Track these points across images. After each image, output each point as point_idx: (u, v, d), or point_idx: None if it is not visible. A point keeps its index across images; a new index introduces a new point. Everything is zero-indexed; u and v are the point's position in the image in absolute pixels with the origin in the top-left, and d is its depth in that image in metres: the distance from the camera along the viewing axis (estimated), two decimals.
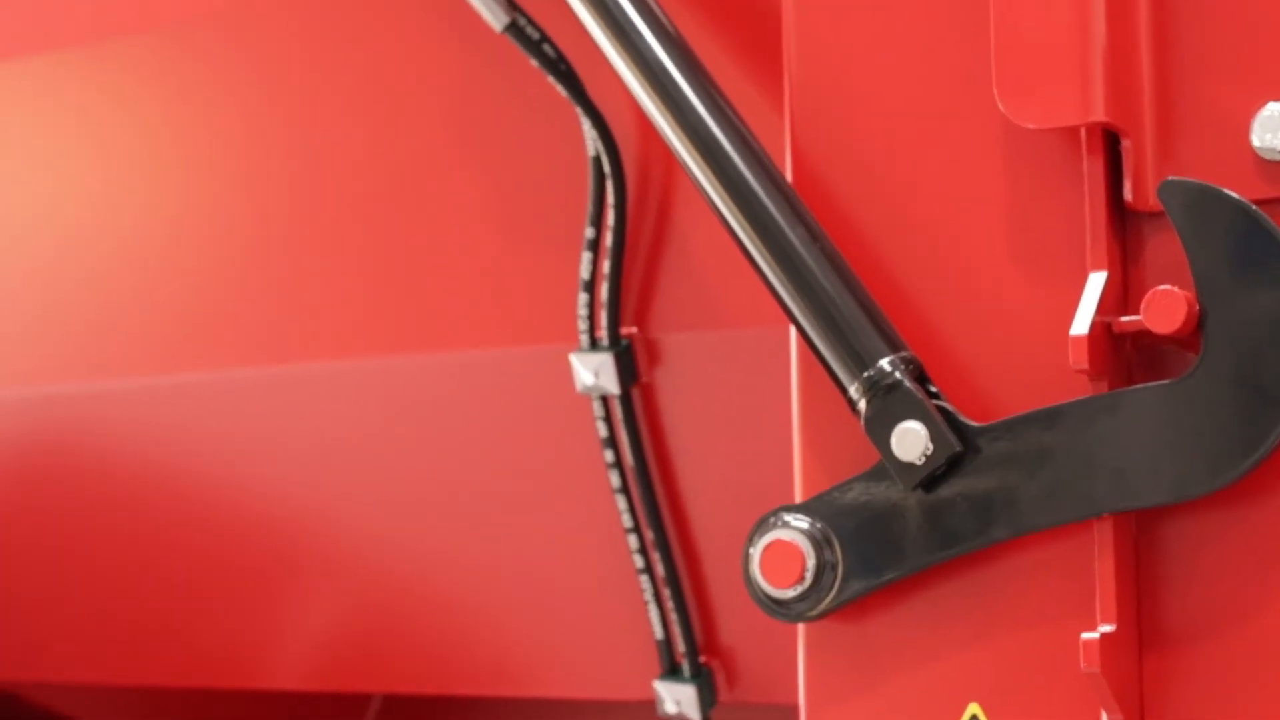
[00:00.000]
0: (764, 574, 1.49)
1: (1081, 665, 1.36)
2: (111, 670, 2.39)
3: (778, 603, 1.49)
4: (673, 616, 1.89)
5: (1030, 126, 1.39)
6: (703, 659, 1.90)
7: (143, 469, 2.29)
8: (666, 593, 1.87)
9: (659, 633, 1.89)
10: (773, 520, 1.49)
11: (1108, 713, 1.38)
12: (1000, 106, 1.40)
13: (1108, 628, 1.37)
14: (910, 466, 1.42)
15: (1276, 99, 1.36)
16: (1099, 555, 1.39)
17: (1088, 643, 1.35)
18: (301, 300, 2.06)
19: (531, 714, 2.64)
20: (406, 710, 2.81)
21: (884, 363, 1.43)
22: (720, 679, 1.93)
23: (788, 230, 1.47)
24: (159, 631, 2.37)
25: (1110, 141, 1.41)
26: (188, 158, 2.15)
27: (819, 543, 1.47)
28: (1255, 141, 1.37)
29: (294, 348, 2.07)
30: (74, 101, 2.24)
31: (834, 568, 1.47)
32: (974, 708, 1.45)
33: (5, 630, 2.47)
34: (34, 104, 2.27)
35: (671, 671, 1.91)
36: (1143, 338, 1.38)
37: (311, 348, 2.06)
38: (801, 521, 1.48)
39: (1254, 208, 1.33)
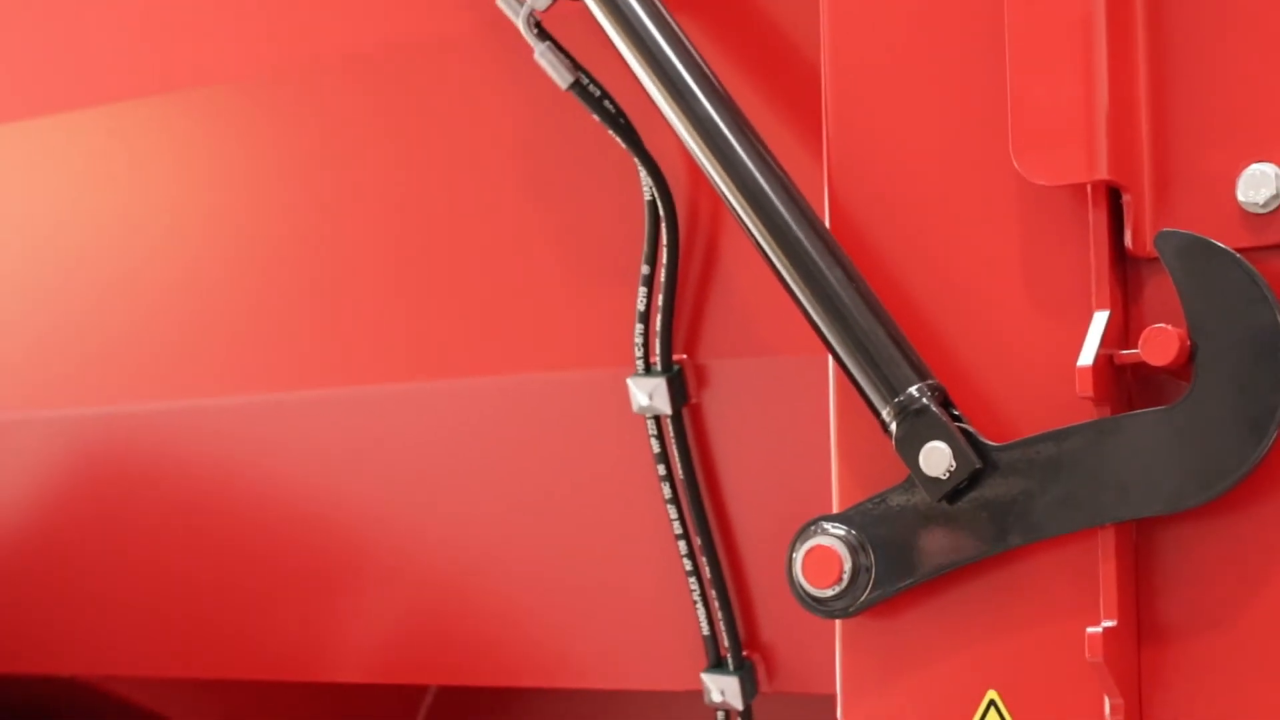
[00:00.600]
0: (805, 575, 1.67)
1: (1087, 656, 1.54)
2: (190, 665, 2.58)
3: (817, 601, 1.68)
4: (718, 614, 2.05)
5: (1042, 183, 1.58)
6: (745, 653, 2.07)
7: (221, 482, 2.47)
8: (712, 593, 2.05)
9: (705, 629, 2.06)
10: (813, 528, 1.67)
11: (1110, 698, 1.57)
12: (1015, 165, 1.59)
13: (1110, 623, 1.55)
14: (936, 481, 1.60)
15: (1257, 160, 1.55)
16: (1102, 559, 1.57)
17: (1092, 636, 1.54)
18: (380, 326, 2.24)
19: (577, 705, 2.84)
20: (458, 700, 3.00)
21: (913, 389, 1.61)
22: (761, 671, 2.09)
23: (826, 271, 1.65)
24: (232, 629, 2.54)
25: (1112, 196, 1.59)
26: (261, 199, 2.34)
27: (854, 548, 1.66)
28: (1240, 197, 1.55)
29: (368, 370, 2.25)
30: (148, 141, 2.43)
31: (868, 571, 1.65)
32: (992, 694, 1.63)
33: (89, 628, 2.65)
34: (119, 144, 2.46)
35: (716, 664, 2.08)
36: (1141, 369, 1.56)
37: (385, 370, 2.25)
38: (839, 529, 1.66)
39: (1239, 255, 1.52)
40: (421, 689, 3.03)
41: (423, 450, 2.24)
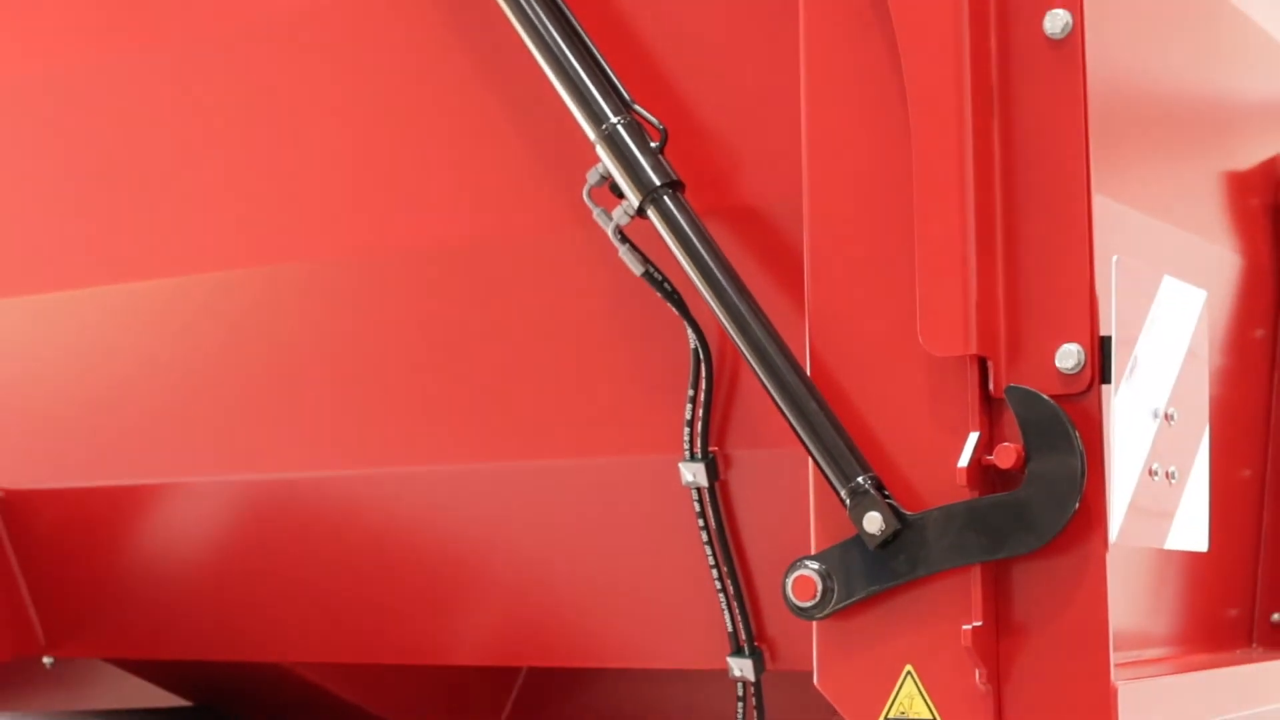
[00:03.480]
0: (793, 593, 2.60)
1: (963, 644, 2.49)
2: (359, 652, 3.43)
3: (801, 609, 2.60)
4: (738, 617, 2.92)
5: (938, 355, 2.53)
6: (756, 643, 2.94)
7: (375, 523, 3.33)
8: (734, 603, 2.92)
9: (729, 626, 2.93)
10: (798, 563, 2.60)
11: (978, 671, 2.50)
12: (921, 341, 2.55)
13: (978, 623, 2.49)
14: (873, 535, 2.54)
15: (1067, 340, 2.46)
16: (973, 583, 2.49)
17: (965, 631, 2.48)
18: (491, 415, 3.15)
19: (638, 682, 3.76)
20: (543, 682, 3.91)
21: (859, 479, 2.55)
22: (767, 655, 2.95)
23: (811, 402, 2.59)
24: (378, 626, 3.40)
25: (982, 361, 2.51)
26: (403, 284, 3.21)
27: (824, 576, 2.59)
28: (1056, 364, 2.48)
29: (483, 448, 3.14)
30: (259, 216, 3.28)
31: (832, 590, 2.58)
32: (909, 666, 2.55)
33: (281, 619, 3.47)
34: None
35: (736, 650, 2.93)
36: (996, 468, 2.51)
37: (487, 451, 3.11)
38: (814, 564, 2.60)
39: (1052, 400, 2.46)
40: (514, 672, 3.95)
41: (531, 514, 3.12)
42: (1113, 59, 2.72)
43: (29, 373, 3.62)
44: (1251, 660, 3.19)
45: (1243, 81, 3.39)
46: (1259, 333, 3.37)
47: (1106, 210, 2.59)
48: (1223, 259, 3.22)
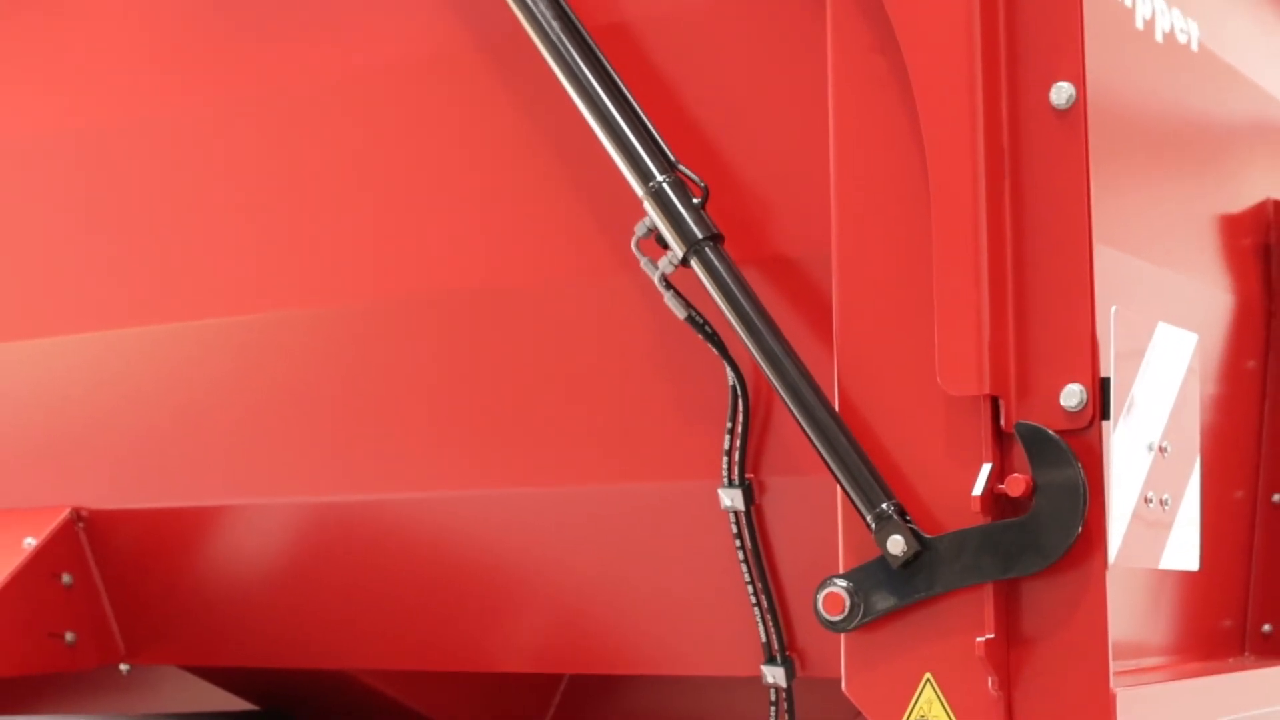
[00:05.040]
0: (823, 608, 2.86)
1: (977, 654, 2.75)
2: (415, 659, 3.66)
3: (830, 623, 2.87)
4: (772, 629, 3.17)
5: (954, 394, 2.81)
6: (788, 652, 3.17)
7: (424, 539, 3.55)
8: (768, 616, 3.16)
9: (763, 637, 3.17)
10: (828, 581, 2.88)
11: (991, 678, 2.76)
12: (939, 381, 2.83)
13: (990, 635, 2.76)
14: (896, 556, 2.81)
15: (1071, 381, 2.75)
16: (987, 598, 2.77)
17: (979, 643, 2.75)
18: (529, 443, 3.40)
19: (673, 689, 4.01)
20: (588, 686, 4.16)
21: (884, 505, 2.82)
22: (797, 663, 3.16)
23: (840, 435, 2.86)
24: (433, 635, 3.61)
25: (994, 400, 2.79)
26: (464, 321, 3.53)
27: (851, 592, 2.86)
28: (1061, 402, 2.75)
29: (539, 474, 3.38)
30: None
31: (859, 605, 2.85)
32: (928, 674, 2.82)
33: (341, 628, 3.70)
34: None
35: (770, 659, 3.16)
36: (1007, 496, 2.77)
37: (531, 476, 3.38)
38: (843, 582, 2.87)
39: (1058, 436, 2.74)
40: (558, 678, 4.20)
41: (581, 533, 3.36)
42: (1115, 120, 3.00)
43: (110, 405, 3.87)
44: (1244, 668, 3.46)
45: (1234, 130, 3.66)
46: (1250, 364, 3.64)
47: (1110, 260, 2.86)
48: (1216, 297, 3.49)
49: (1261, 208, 3.68)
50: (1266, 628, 3.61)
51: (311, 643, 3.79)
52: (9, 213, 4.02)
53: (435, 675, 3.97)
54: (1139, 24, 3.14)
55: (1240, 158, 3.68)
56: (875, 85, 2.92)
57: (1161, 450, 2.86)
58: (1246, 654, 3.62)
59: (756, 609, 3.20)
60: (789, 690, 3.22)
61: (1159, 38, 3.22)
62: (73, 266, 3.93)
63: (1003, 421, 2.80)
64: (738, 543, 3.18)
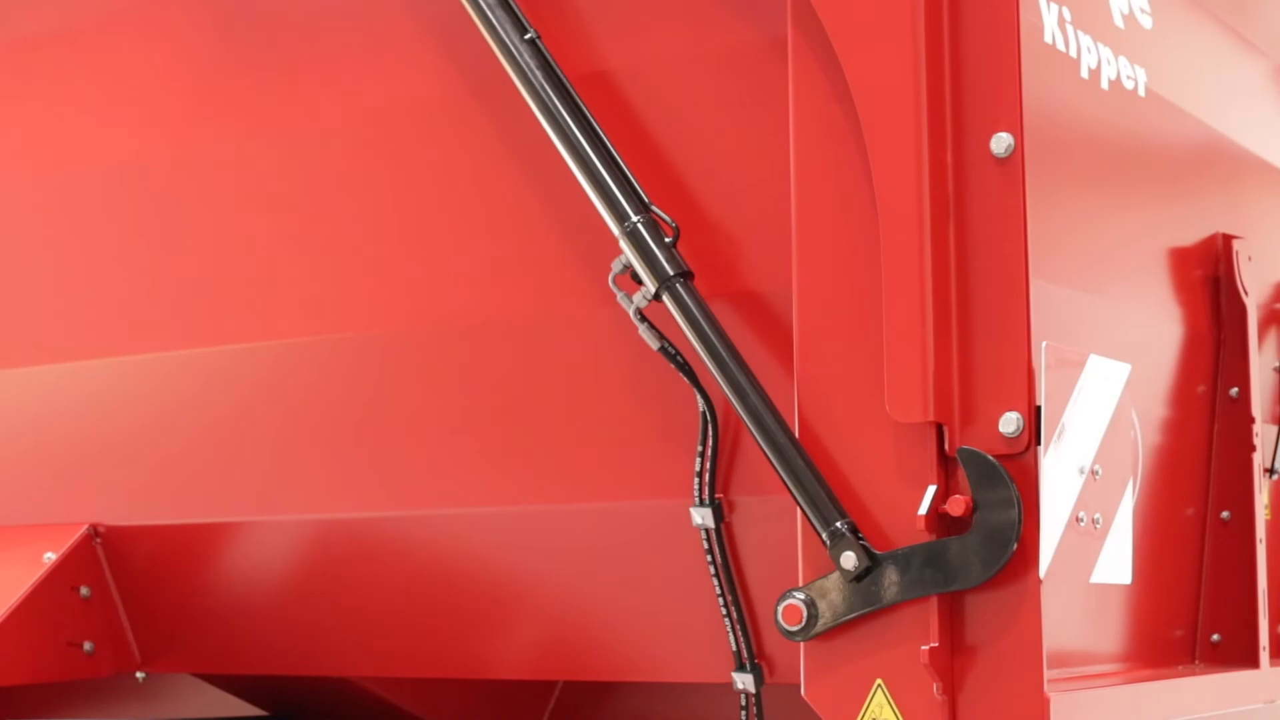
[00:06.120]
0: (783, 619, 3.08)
1: (923, 661, 2.97)
2: (416, 667, 3.86)
3: (789, 632, 3.08)
4: (741, 637, 3.37)
5: (900, 421, 3.03)
6: (756, 660, 3.37)
7: (424, 554, 3.75)
8: (737, 627, 3.36)
9: (733, 645, 3.37)
10: (787, 594, 3.09)
11: (935, 684, 2.98)
12: (888, 409, 3.04)
13: (935, 644, 2.97)
14: (848, 571, 3.03)
15: (1009, 410, 2.97)
16: (932, 610, 2.98)
17: (924, 651, 2.96)
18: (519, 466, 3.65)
19: (656, 694, 4.23)
20: (581, 692, 4.38)
21: (838, 523, 3.03)
22: (765, 670, 3.36)
23: (798, 458, 3.06)
24: (433, 645, 3.82)
25: (939, 426, 3.02)
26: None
27: (809, 604, 3.08)
28: (1000, 429, 2.98)
29: (524, 493, 3.58)
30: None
31: (815, 616, 3.07)
32: (879, 680, 3.04)
33: (347, 638, 3.90)
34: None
35: (739, 666, 3.35)
36: (949, 516, 2.99)
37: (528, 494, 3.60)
38: (800, 594, 3.08)
39: (995, 460, 2.95)
40: (551, 685, 4.39)
41: (566, 549, 3.56)
42: (1061, 163, 3.22)
43: (127, 427, 4.10)
44: (1191, 674, 3.68)
45: (1184, 167, 3.88)
46: (1200, 389, 3.86)
47: (1054, 296, 3.08)
48: (1167, 327, 3.71)
49: (1211, 241, 3.89)
50: (1215, 637, 3.82)
51: (318, 651, 3.98)
52: (39, 242, 4.25)
53: (436, 682, 4.17)
54: (1084, 73, 3.35)
55: (1190, 193, 3.90)
56: (832, 133, 3.14)
57: (1093, 473, 3.08)
58: (1197, 662, 3.82)
59: (727, 619, 3.41)
60: (758, 695, 3.43)
61: (1104, 85, 3.43)
62: (98, 294, 4.15)
63: (946, 446, 3.03)
64: (709, 558, 3.39)
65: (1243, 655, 3.79)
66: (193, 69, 4.04)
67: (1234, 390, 3.85)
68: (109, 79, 4.16)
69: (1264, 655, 3.81)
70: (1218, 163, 3.99)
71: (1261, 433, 3.88)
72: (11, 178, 4.29)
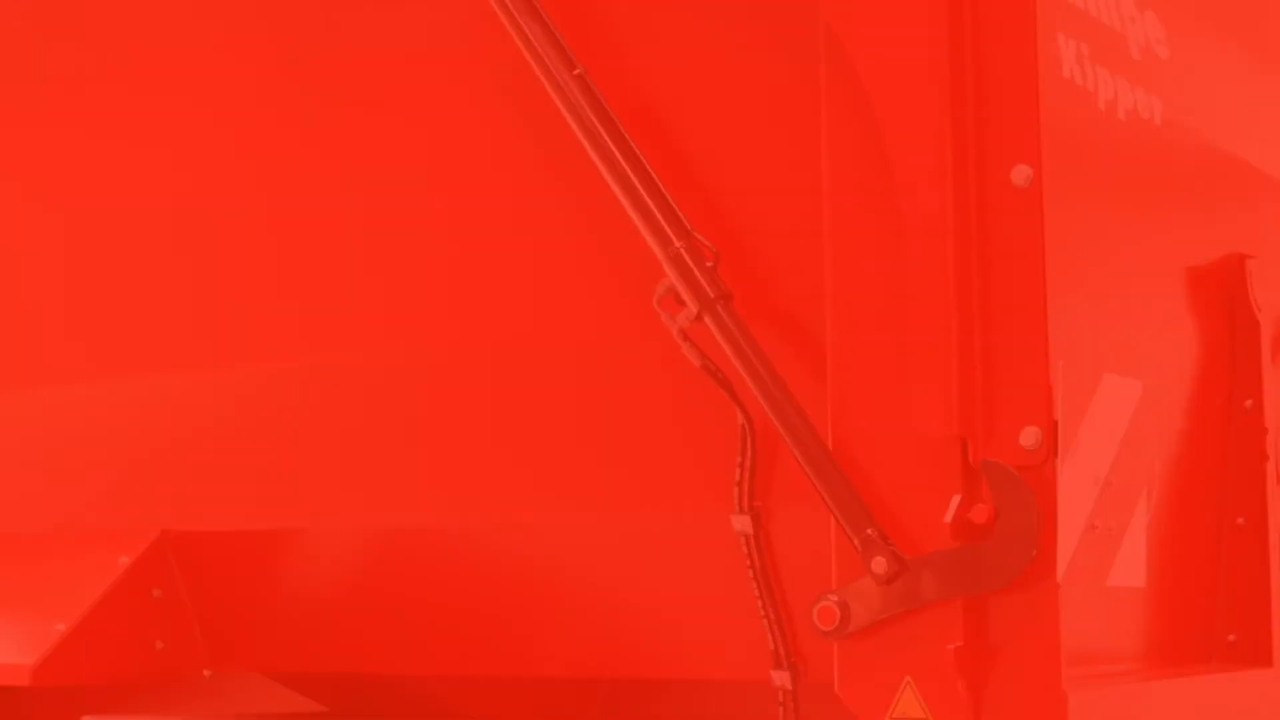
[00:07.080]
0: (819, 619, 3.27)
1: (948, 660, 3.14)
2: (473, 664, 4.01)
3: (824, 632, 3.26)
4: (778, 637, 3.52)
5: (929, 435, 3.21)
6: (793, 658, 3.48)
7: (482, 559, 3.92)
8: (775, 627, 3.52)
9: (771, 645, 3.53)
10: (822, 596, 3.30)
11: (962, 678, 3.18)
12: (914, 423, 3.23)
13: (960, 642, 3.16)
14: (879, 575, 3.22)
15: (1029, 424, 3.16)
16: (957, 611, 3.15)
17: (950, 650, 3.15)
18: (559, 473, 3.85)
19: (700, 692, 4.39)
20: (631, 691, 4.53)
21: (869, 530, 3.22)
22: (801, 668, 3.49)
23: (832, 469, 3.26)
24: (489, 643, 3.99)
25: (964, 440, 3.23)
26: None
27: (842, 606, 3.26)
28: (1020, 442, 3.17)
29: (580, 503, 3.78)
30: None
31: (849, 617, 3.26)
32: (908, 678, 3.22)
33: (406, 637, 4.03)
34: None
35: (777, 665, 3.46)
36: (974, 523, 3.18)
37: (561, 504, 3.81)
38: (834, 597, 3.26)
39: (1016, 472, 3.16)
40: (599, 681, 4.51)
41: (616, 554, 3.75)
42: (1081, 191, 3.40)
43: (198, 438, 4.29)
44: (1208, 674, 3.86)
45: (1202, 191, 4.06)
46: (1216, 401, 4.03)
47: (1078, 316, 3.25)
48: (1180, 343, 3.89)
49: (1225, 260, 4.06)
50: (1231, 638, 3.99)
51: (376, 650, 4.11)
52: (120, 254, 4.42)
53: (489, 683, 4.30)
54: (1101, 105, 3.54)
55: (1205, 215, 4.07)
56: (863, 165, 3.32)
57: (1108, 484, 3.27)
58: (1213, 661, 4.00)
59: (765, 620, 3.58)
60: (795, 692, 3.59)
61: (1121, 115, 3.62)
62: (175, 307, 4.32)
63: (970, 458, 3.21)
64: (749, 559, 3.56)
65: (1256, 655, 3.96)
66: (251, 103, 4.20)
67: (1248, 402, 4.01)
68: (176, 115, 4.32)
69: (1277, 655, 3.98)
70: (1233, 185, 4.16)
71: (1275, 443, 4.04)
72: (124, 182, 4.41)
